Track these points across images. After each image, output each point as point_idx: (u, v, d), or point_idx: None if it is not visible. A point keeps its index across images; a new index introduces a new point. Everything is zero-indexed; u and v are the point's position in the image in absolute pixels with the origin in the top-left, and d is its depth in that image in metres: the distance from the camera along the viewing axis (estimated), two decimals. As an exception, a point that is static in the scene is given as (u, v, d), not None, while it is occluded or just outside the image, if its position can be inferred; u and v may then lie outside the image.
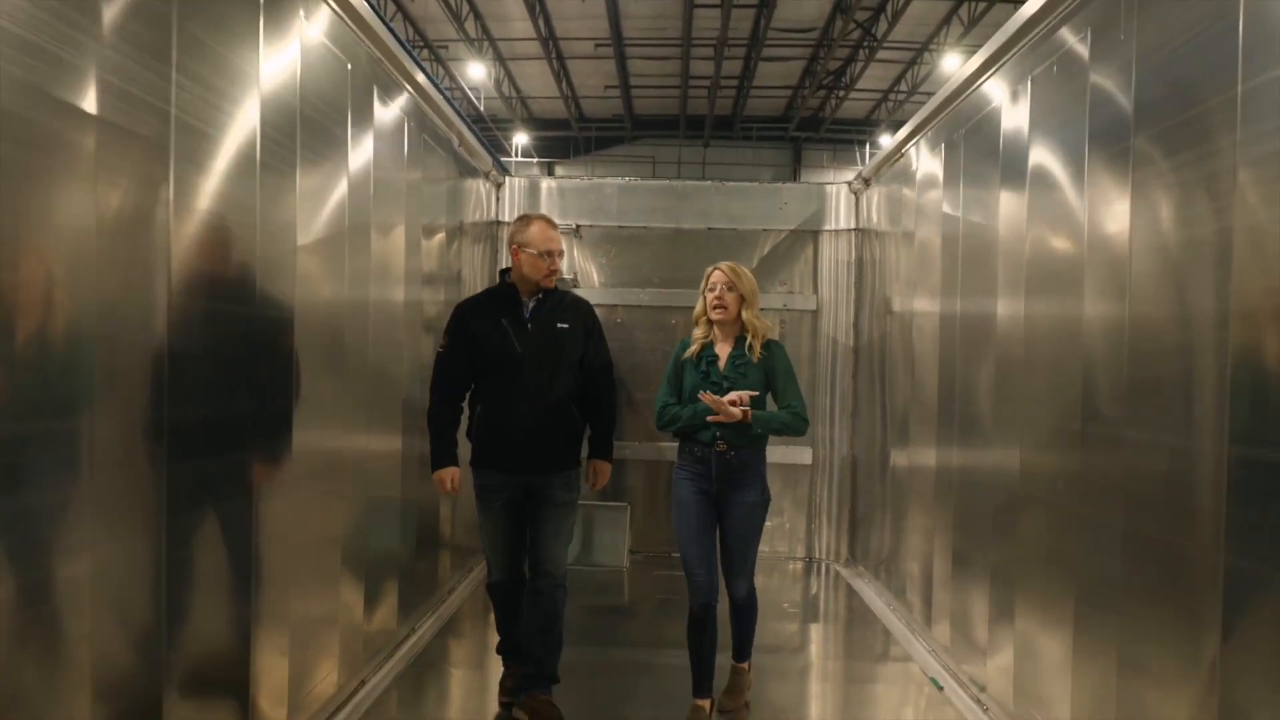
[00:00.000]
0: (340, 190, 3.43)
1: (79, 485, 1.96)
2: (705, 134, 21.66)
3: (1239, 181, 2.17)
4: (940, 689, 4.02)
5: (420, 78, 4.27)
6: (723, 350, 3.67)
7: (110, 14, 2.01)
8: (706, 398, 3.47)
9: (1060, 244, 3.14)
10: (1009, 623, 3.51)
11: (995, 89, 3.83)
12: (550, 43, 17.47)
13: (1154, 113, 2.59)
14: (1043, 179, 3.30)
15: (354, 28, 3.51)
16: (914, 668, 4.38)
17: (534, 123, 22.50)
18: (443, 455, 3.67)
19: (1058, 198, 3.16)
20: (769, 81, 19.60)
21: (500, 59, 18.60)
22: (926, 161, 4.85)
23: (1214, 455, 2.24)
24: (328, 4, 3.25)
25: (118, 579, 2.12)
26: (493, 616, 3.98)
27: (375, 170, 3.76)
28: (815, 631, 5.29)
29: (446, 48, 17.83)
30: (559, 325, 3.72)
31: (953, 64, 16.48)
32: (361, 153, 3.62)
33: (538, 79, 19.80)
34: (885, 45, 16.79)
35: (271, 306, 2.88)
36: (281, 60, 2.87)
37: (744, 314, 3.63)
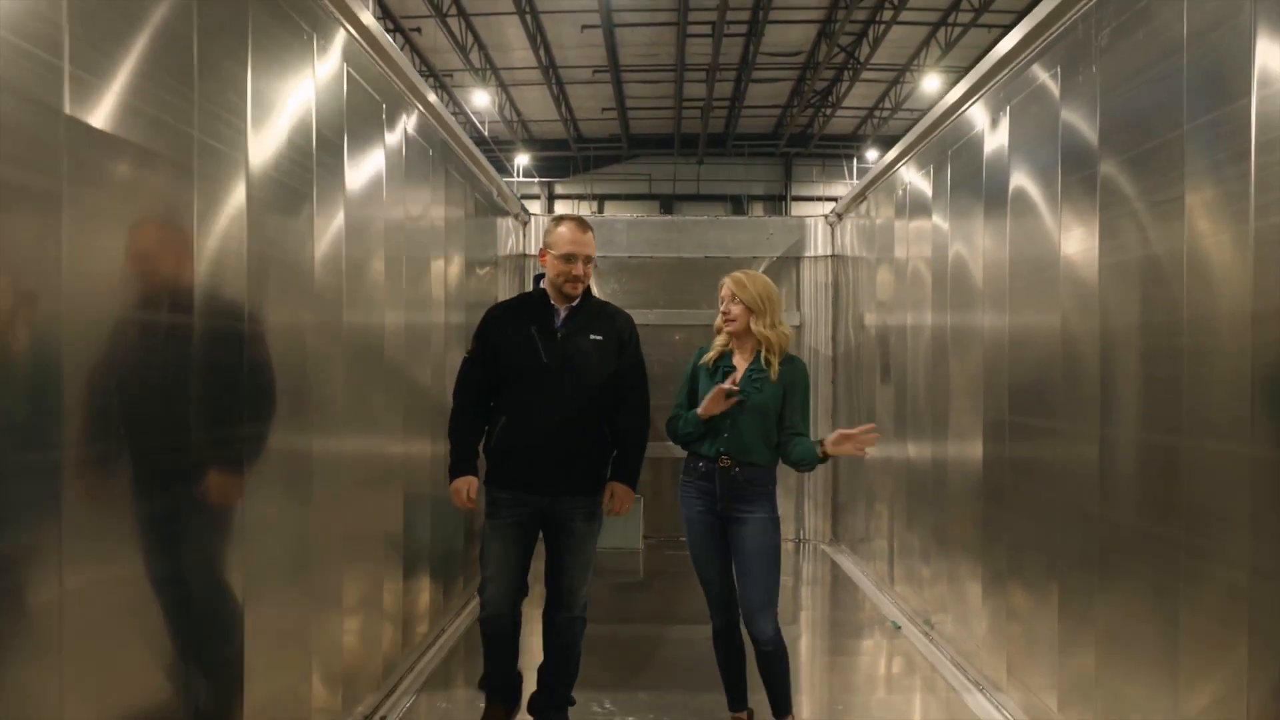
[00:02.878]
0: (431, 229, 4.53)
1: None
2: (699, 152, 22.62)
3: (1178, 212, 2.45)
4: (898, 629, 5.03)
5: (477, 153, 5.35)
6: (740, 363, 3.47)
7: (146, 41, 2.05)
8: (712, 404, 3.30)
9: (974, 267, 4.13)
10: (947, 579, 4.51)
11: (929, 156, 4.85)
12: (550, 70, 18.43)
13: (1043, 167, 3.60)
14: (960, 214, 4.32)
15: (438, 125, 4.63)
16: (879, 615, 5.38)
17: (534, 144, 23.44)
18: (461, 464, 3.40)
19: (969, 231, 4.18)
20: (759, 101, 20.52)
21: (502, 86, 19.55)
22: (883, 207, 5.88)
23: (1091, 438, 3.23)
24: (422, 110, 4.25)
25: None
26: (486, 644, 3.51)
27: (448, 217, 4.89)
28: (804, 593, 6.29)
29: (451, 76, 18.81)
30: (591, 336, 3.39)
31: (933, 84, 17.51)
32: (450, 208, 4.82)
33: (538, 103, 20.74)
34: (868, 67, 17.80)
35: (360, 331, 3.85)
36: (375, 146, 3.88)
37: (753, 325, 3.40)
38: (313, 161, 2.99)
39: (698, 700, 3.91)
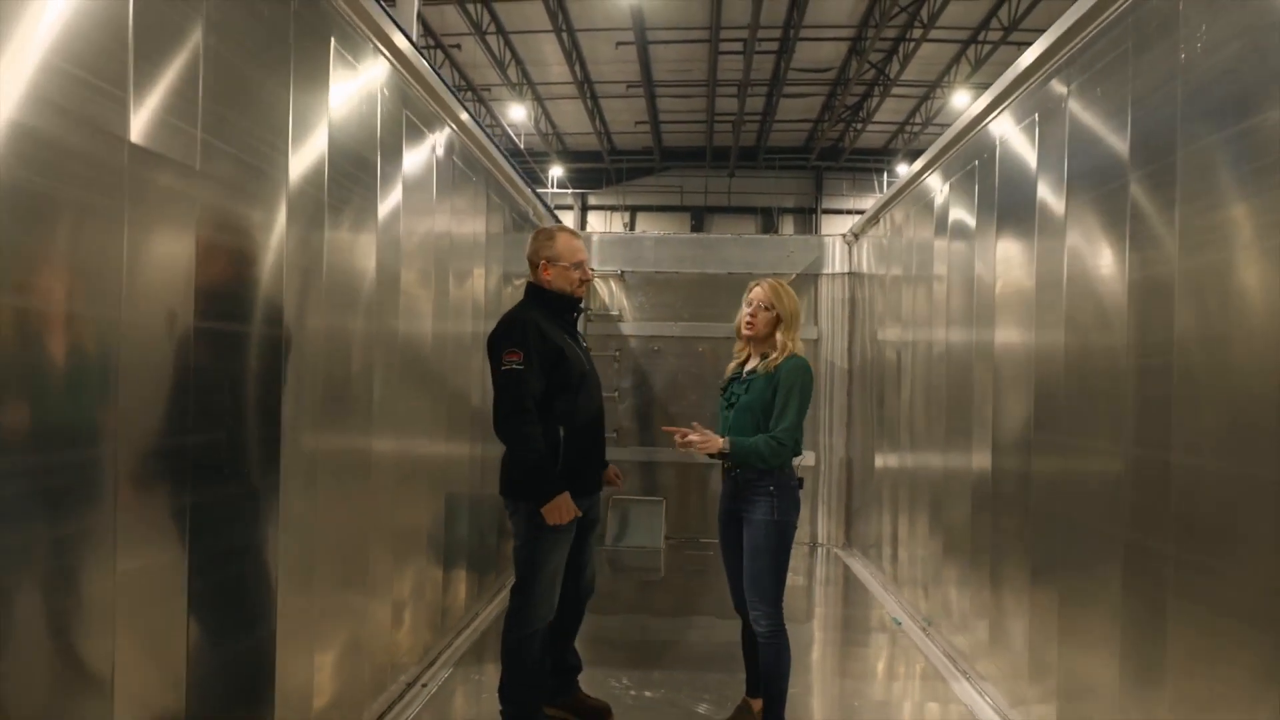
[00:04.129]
0: (480, 246, 5.00)
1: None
2: (730, 165, 22.99)
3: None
4: (899, 624, 5.39)
5: (515, 176, 5.83)
6: (751, 366, 3.56)
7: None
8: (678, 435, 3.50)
9: (978, 286, 4.48)
10: (943, 582, 4.86)
11: (933, 183, 5.22)
12: (585, 85, 18.88)
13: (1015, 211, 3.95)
14: (960, 237, 4.68)
15: (483, 157, 5.11)
16: (883, 612, 5.73)
17: (568, 156, 23.94)
18: (558, 481, 3.36)
19: (973, 250, 4.54)
20: (790, 116, 20.80)
21: (539, 100, 20.05)
22: (896, 226, 6.24)
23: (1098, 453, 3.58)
24: (466, 140, 4.71)
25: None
26: (523, 676, 3.48)
27: (488, 235, 5.34)
28: (817, 592, 6.65)
29: (490, 90, 19.38)
30: (583, 342, 3.70)
31: (962, 100, 17.74)
32: (489, 223, 5.28)
33: (572, 116, 21.22)
34: (898, 83, 18.08)
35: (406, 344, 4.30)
36: (423, 170, 4.33)
37: (779, 334, 3.46)
38: (376, 196, 3.44)
39: (705, 679, 4.30)
